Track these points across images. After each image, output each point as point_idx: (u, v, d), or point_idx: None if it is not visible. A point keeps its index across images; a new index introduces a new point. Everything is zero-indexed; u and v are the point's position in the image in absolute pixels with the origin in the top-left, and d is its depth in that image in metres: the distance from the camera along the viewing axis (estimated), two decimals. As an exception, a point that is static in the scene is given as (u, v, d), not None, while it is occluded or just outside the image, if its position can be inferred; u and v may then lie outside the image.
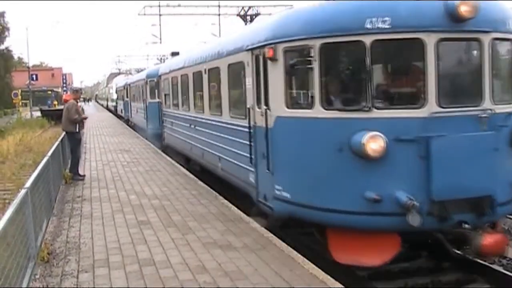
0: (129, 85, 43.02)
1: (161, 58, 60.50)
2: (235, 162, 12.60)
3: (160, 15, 46.68)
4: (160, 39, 49.84)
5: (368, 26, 8.67)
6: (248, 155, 11.40)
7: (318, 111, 9.26)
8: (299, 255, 8.80)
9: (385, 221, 8.70)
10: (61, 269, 8.45)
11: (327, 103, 9.26)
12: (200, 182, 15.49)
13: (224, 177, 14.16)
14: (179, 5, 45.61)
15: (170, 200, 13.11)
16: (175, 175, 16.85)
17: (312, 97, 9.41)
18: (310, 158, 9.43)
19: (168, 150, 23.54)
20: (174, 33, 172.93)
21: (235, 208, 12.12)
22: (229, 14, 45.69)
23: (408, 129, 8.64)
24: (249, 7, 30.81)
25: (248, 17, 29.05)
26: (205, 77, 15.44)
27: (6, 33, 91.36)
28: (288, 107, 9.85)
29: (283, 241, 9.67)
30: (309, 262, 8.46)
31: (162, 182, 15.70)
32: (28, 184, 8.88)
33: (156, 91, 27.52)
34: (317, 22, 9.37)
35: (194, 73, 16.91)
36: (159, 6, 46.07)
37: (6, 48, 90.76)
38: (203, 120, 15.95)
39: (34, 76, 76.53)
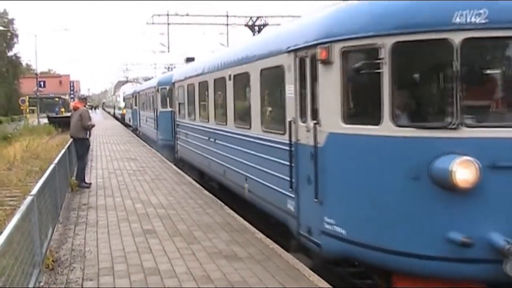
0: (138, 93, 41.60)
1: (168, 67, 60.76)
2: (268, 184, 10.94)
3: (168, 24, 46.73)
4: (168, 48, 49.87)
5: (457, 20, 7.03)
6: (287, 178, 9.66)
7: (387, 128, 7.45)
8: (305, 267, 8.74)
9: (472, 269, 7.03)
10: (66, 277, 8.44)
11: (400, 118, 7.48)
12: (205, 192, 15.47)
13: (251, 200, 12.38)
14: (187, 14, 45.72)
15: (176, 209, 13.09)
16: (181, 184, 16.84)
17: (379, 110, 7.50)
18: (374, 186, 7.65)
19: (181, 163, 22.09)
20: (182, 42, 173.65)
21: (240, 218, 12.09)
22: (237, 24, 45.78)
23: (508, 153, 7.00)
24: (258, 18, 30.91)
25: (256, 28, 29.13)
26: (230, 84, 13.75)
27: (15, 39, 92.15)
28: (345, 122, 8.03)
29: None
30: (315, 274, 8.40)
31: (168, 191, 15.69)
32: (34, 191, 8.88)
33: (168, 99, 26.37)
34: (388, 16, 7.59)
35: (216, 80, 15.30)
36: (168, 15, 46.14)
37: (15, 54, 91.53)
38: (226, 133, 14.20)
39: (42, 83, 76.67)
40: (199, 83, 17.61)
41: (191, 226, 11.38)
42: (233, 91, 13.67)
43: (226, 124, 14.14)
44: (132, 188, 16.28)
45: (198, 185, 16.67)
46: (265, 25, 30.04)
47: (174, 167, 21.27)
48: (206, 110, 16.70)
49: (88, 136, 17.12)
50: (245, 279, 8.12)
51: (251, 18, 31.34)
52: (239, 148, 12.97)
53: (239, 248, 9.77)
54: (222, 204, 13.67)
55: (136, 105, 43.69)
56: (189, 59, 26.52)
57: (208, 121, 16.26)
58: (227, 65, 14.01)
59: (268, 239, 10.43)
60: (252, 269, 8.60)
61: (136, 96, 43.50)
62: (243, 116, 12.85)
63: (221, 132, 14.75)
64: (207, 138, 16.33)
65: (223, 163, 14.54)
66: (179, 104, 21.55)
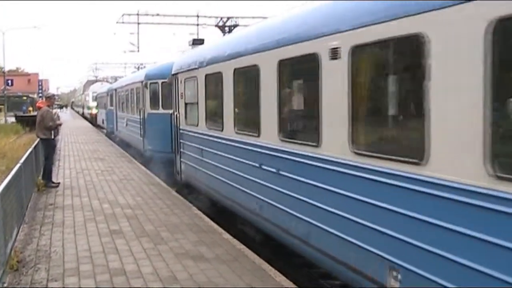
0: (115, 90, 35.18)
1: (138, 67, 60.35)
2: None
3: (138, 23, 46.53)
4: (138, 47, 49.58)
5: None
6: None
7: None
8: (271, 267, 8.79)
9: None
10: (31, 277, 8.36)
11: None
12: (174, 192, 15.46)
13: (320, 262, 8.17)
14: (157, 14, 45.52)
15: (143, 209, 13.05)
16: (149, 185, 16.77)
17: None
18: None
19: (186, 189, 16.10)
20: (152, 42, 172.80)
21: (208, 219, 12.09)
22: (207, 25, 45.72)
23: None
24: (228, 18, 30.91)
25: (227, 28, 29.14)
26: (334, 67, 7.34)
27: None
28: None
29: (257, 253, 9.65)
30: (281, 275, 8.46)
31: (136, 191, 15.62)
32: (-1, 190, 8.79)
33: (162, 98, 21.21)
34: None
35: (282, 63, 8.93)
36: (138, 14, 45.96)
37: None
38: (315, 161, 7.93)
39: (9, 81, 75.63)
40: (236, 70, 11.03)
41: (159, 227, 11.35)
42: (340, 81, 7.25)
43: (319, 146, 7.82)
44: (99, 188, 16.17)
45: (166, 186, 16.62)
46: (235, 25, 30.07)
47: (143, 167, 21.16)
48: (255, 115, 10.09)
49: (52, 136, 16.89)
50: (212, 280, 8.13)
51: (221, 18, 31.33)
52: (313, 184, 7.97)
53: (206, 248, 9.76)
54: (191, 205, 13.65)
55: (112, 104, 37.75)
56: (197, 41, 17.97)
57: (259, 135, 9.94)
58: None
59: (235, 239, 10.45)
60: (219, 269, 8.60)
61: (112, 94, 37.78)
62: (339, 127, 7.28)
63: (298, 159, 8.49)
64: (255, 164, 10.14)
65: (304, 218, 8.31)
66: (186, 104, 15.19)
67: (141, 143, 23.68)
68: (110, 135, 38.71)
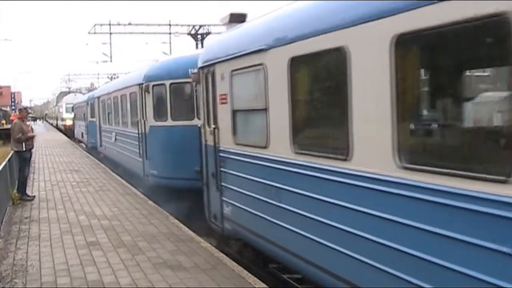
0: (98, 98, 29.93)
1: (111, 77, 60.08)
2: None
3: (110, 33, 46.46)
4: (111, 57, 49.42)
5: None
6: None
7: None
8: (250, 275, 8.79)
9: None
10: (7, 292, 8.29)
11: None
12: (150, 202, 15.38)
13: None
14: (129, 24, 45.53)
15: (120, 220, 12.98)
16: (126, 195, 16.69)
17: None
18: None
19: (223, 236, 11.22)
20: (125, 52, 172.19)
21: (186, 228, 12.06)
22: (180, 33, 45.68)
23: None
24: (200, 26, 30.86)
25: (199, 36, 29.13)
26: None
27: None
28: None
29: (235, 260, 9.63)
30: (260, 282, 8.47)
31: (112, 202, 15.53)
32: (-27, 205, 8.72)
33: (169, 106, 15.67)
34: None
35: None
36: (110, 24, 45.90)
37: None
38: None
39: (-19, 95, 74.94)
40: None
41: (136, 237, 11.30)
42: None
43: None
44: (75, 200, 16.04)
45: (142, 196, 16.54)
46: (208, 33, 30.06)
47: (118, 177, 21.03)
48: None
49: (23, 149, 16.63)
50: (191, 289, 8.12)
51: (193, 26, 31.30)
52: None
53: (184, 257, 9.74)
54: (168, 214, 13.60)
55: (93, 116, 32.59)
56: (237, 17, 11.24)
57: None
58: None
59: (213, 248, 10.45)
60: (198, 278, 8.59)
61: (92, 104, 32.68)
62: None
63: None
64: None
65: None
66: (235, 112, 9.87)
67: (140, 166, 18.01)
68: (91, 150, 33.86)
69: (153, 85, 16.26)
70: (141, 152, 17.78)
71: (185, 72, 14.29)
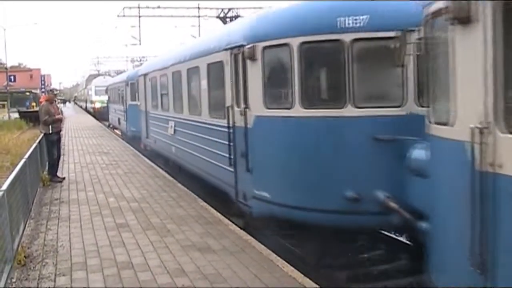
0: (145, 76, 22.67)
1: (140, 60, 60.23)
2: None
3: (139, 16, 46.51)
4: (140, 41, 49.55)
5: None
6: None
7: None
8: (278, 258, 8.78)
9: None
10: (38, 272, 8.36)
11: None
12: (179, 185, 15.43)
13: None
14: (158, 7, 45.54)
15: (149, 202, 13.04)
16: (154, 178, 16.76)
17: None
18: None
19: None
20: (154, 35, 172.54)
21: (214, 211, 12.08)
22: (209, 16, 45.67)
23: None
24: (229, 9, 30.74)
25: (228, 19, 29.01)
26: None
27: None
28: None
29: (262, 243, 9.63)
30: (288, 265, 8.45)
31: (141, 184, 15.62)
32: (4, 186, 8.80)
33: (299, 83, 9.20)
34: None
35: None
36: (139, 7, 45.94)
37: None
38: None
39: (12, 77, 75.81)
40: None
41: (165, 219, 11.35)
42: None
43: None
44: (104, 182, 16.16)
45: (171, 178, 16.61)
46: (237, 16, 29.89)
47: (148, 160, 21.14)
48: None
49: (49, 131, 16.76)
50: (219, 271, 8.12)
51: (222, 10, 31.18)
52: None
53: (212, 240, 9.76)
54: (196, 197, 13.64)
55: (134, 98, 27.51)
56: None
57: None
58: None
59: (241, 230, 10.45)
60: (226, 261, 8.60)
61: (134, 84, 27.44)
62: None
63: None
64: None
65: None
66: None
67: (229, 181, 11.63)
68: (131, 141, 28.75)
69: (264, 47, 9.91)
70: (232, 157, 11.37)
71: (329, 22, 8.99)
